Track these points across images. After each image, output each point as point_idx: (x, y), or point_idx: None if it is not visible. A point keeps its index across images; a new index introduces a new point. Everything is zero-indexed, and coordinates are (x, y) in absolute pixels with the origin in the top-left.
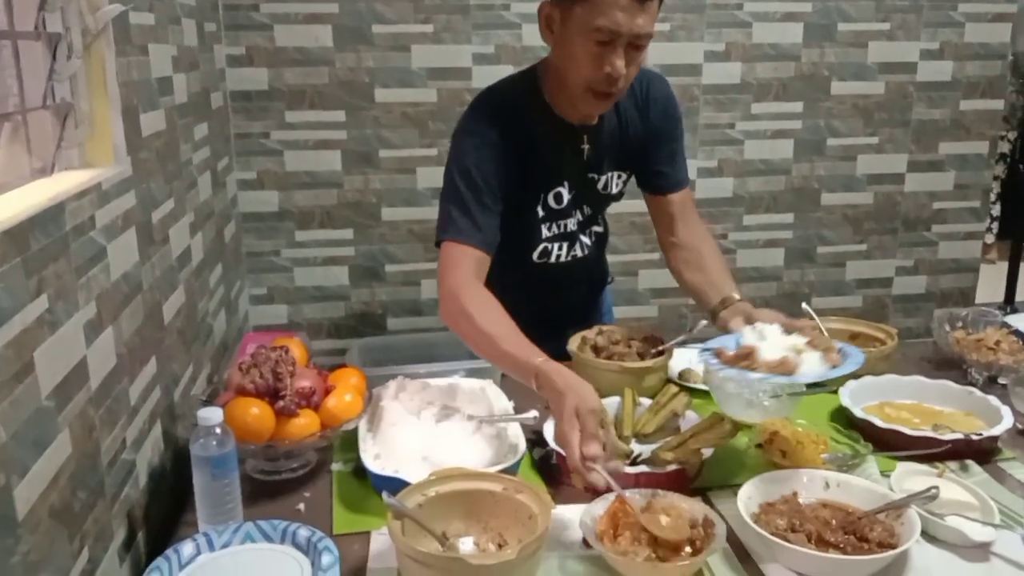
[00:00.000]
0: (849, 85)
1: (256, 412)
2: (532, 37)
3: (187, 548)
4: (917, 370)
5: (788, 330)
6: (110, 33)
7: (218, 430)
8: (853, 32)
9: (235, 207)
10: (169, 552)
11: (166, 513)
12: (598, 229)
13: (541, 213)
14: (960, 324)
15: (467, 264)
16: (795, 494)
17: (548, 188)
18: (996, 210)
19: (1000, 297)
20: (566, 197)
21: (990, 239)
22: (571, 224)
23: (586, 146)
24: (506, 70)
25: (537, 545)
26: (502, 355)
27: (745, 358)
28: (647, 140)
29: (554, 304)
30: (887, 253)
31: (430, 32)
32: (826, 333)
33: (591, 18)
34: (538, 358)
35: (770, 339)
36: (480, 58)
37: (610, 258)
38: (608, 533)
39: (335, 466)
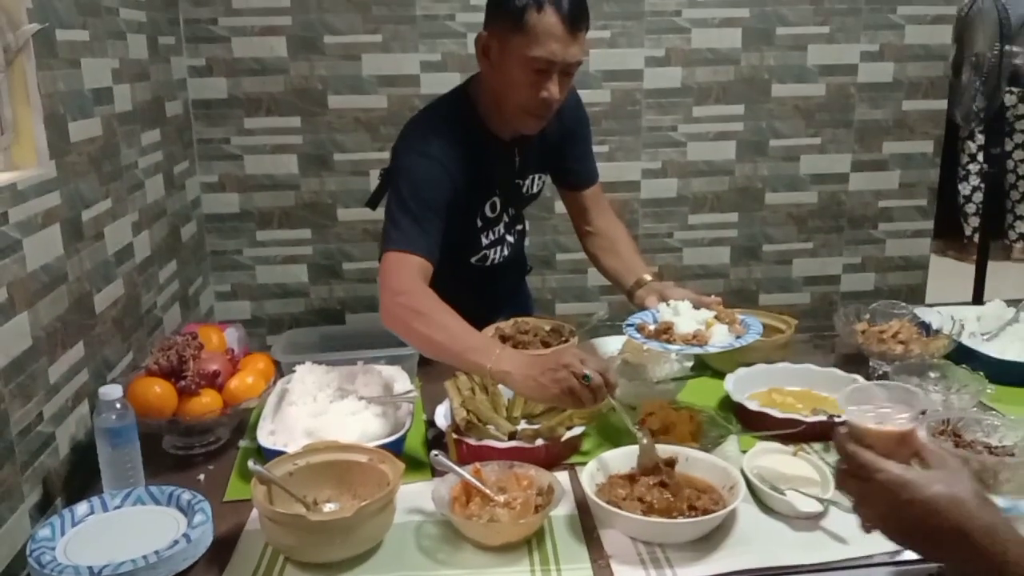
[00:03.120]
0: (790, 87)
1: (158, 390)
2: None
3: (81, 508)
4: (825, 361)
5: (697, 305)
6: (31, 49)
7: (118, 405)
8: (792, 35)
9: (197, 208)
10: (64, 511)
11: (90, 483)
12: (520, 227)
13: (480, 223)
14: (867, 316)
15: (411, 269)
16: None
17: (485, 200)
18: (1021, 209)
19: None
20: (499, 206)
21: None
22: (501, 228)
23: (517, 158)
24: (453, 77)
25: (380, 505)
26: (457, 344)
27: (664, 332)
28: (563, 142)
29: (486, 298)
30: (833, 251)
31: (379, 42)
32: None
33: (529, 49)
34: (497, 346)
35: (683, 314)
36: (427, 65)
37: (559, 256)
38: (461, 500)
39: (242, 443)
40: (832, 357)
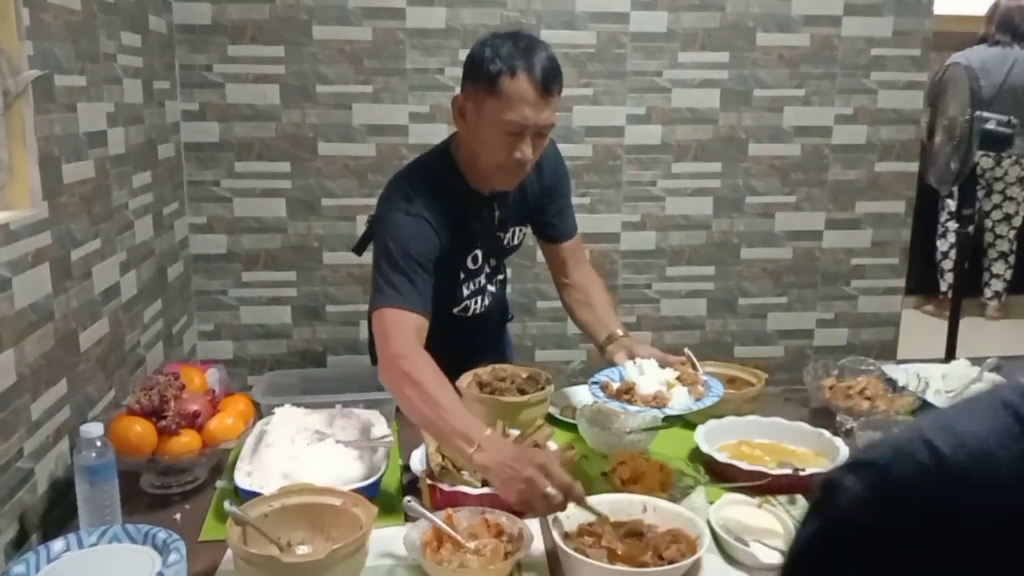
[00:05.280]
0: (766, 147)
1: (139, 429)
2: None
3: (57, 545)
4: (795, 415)
5: (663, 364)
6: (30, 94)
7: (98, 443)
8: (769, 97)
9: (185, 248)
10: (39, 547)
11: (67, 520)
12: (501, 276)
13: (462, 275)
14: (836, 372)
15: (409, 330)
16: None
17: (467, 252)
18: (997, 268)
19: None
20: (480, 258)
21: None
22: (482, 279)
23: (496, 212)
24: (440, 128)
25: (352, 548)
26: (445, 423)
27: (626, 392)
28: (542, 197)
29: (466, 345)
30: (807, 306)
31: (370, 92)
32: (702, 371)
33: (501, 112)
34: (483, 433)
35: (647, 373)
36: (416, 116)
37: (540, 304)
38: (432, 545)
39: (219, 483)
40: (801, 411)
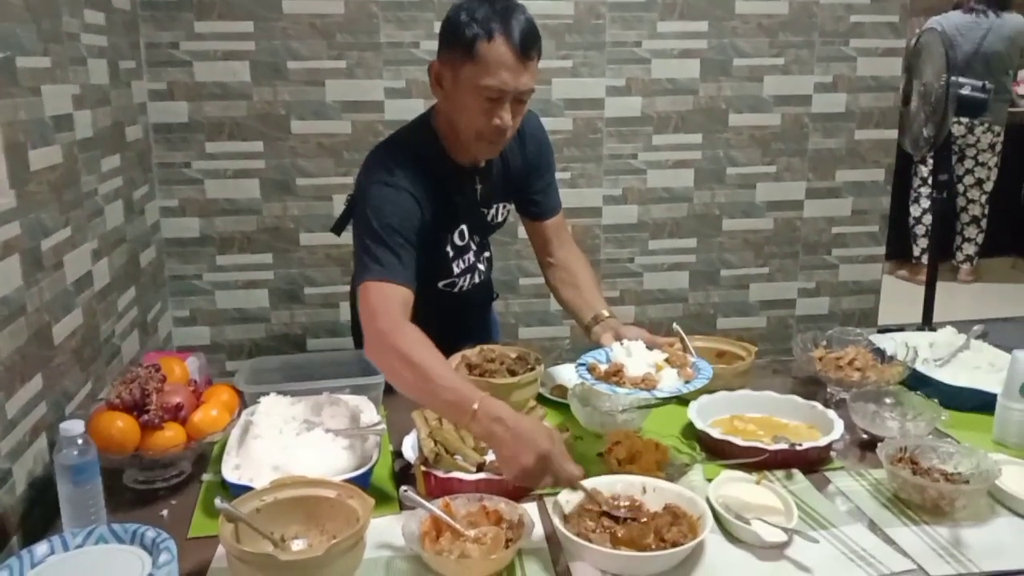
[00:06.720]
0: (746, 117)
1: (120, 425)
2: None
3: (41, 548)
4: (784, 387)
5: (650, 345)
6: None
7: (80, 441)
8: (748, 67)
9: (157, 233)
10: (23, 552)
11: (49, 521)
12: (487, 254)
13: (451, 252)
14: (824, 343)
15: (394, 303)
16: (612, 497)
17: (453, 228)
18: (969, 232)
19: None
20: (467, 234)
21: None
22: (471, 256)
23: (479, 186)
24: (416, 103)
25: (351, 543)
26: (438, 393)
27: (615, 374)
28: (526, 172)
29: (454, 326)
30: (789, 276)
31: (343, 68)
32: (693, 349)
33: (480, 78)
34: (477, 396)
35: (635, 354)
36: (392, 92)
37: (523, 281)
38: (431, 535)
39: (206, 476)
40: (790, 382)
